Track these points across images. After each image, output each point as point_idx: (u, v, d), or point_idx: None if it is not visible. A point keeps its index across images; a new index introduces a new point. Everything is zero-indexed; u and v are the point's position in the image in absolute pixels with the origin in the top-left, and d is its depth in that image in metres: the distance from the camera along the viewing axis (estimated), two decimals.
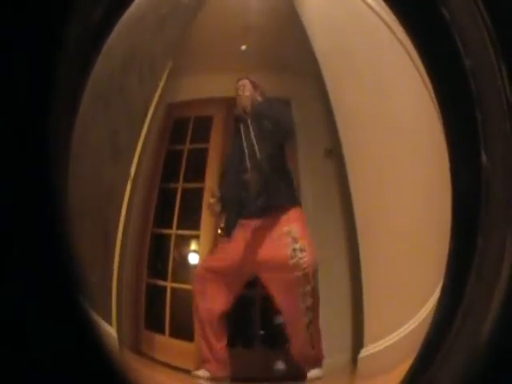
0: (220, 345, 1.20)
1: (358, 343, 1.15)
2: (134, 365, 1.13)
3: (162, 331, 1.24)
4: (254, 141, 1.20)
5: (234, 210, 1.22)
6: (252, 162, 1.20)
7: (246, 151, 1.21)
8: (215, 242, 1.24)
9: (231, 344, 1.22)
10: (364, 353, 1.14)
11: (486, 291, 0.67)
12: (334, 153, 1.21)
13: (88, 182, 1.04)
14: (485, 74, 0.73)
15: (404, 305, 1.08)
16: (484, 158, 0.72)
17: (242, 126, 1.23)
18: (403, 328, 1.04)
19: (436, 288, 0.80)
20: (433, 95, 0.78)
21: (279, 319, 1.19)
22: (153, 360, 1.18)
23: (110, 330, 1.07)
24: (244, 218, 1.21)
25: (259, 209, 1.19)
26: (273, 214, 1.20)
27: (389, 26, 0.99)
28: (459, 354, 0.69)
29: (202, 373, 1.18)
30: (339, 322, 1.19)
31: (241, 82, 1.21)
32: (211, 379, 1.18)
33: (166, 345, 1.24)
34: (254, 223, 1.20)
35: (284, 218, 1.19)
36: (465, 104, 0.74)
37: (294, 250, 1.16)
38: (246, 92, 1.20)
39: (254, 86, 1.20)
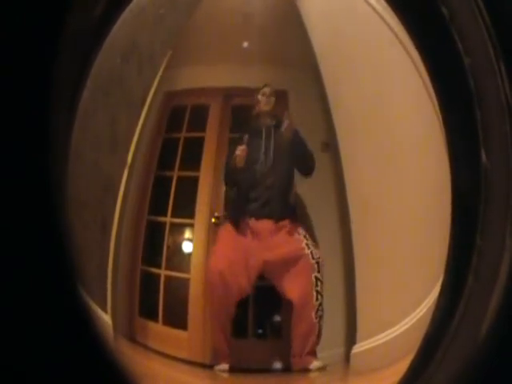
0: (237, 338, 1.25)
1: (350, 339, 1.17)
2: (129, 352, 1.13)
3: (155, 319, 1.24)
4: (272, 148, 1.28)
5: (242, 200, 1.28)
6: (265, 160, 1.28)
7: (263, 148, 1.28)
8: (219, 236, 1.26)
9: (245, 336, 1.26)
10: (357, 349, 1.16)
11: (485, 290, 0.67)
12: (331, 147, 1.22)
13: (87, 171, 1.04)
14: (484, 72, 0.73)
15: (399, 303, 1.09)
16: (483, 156, 0.72)
17: (264, 128, 1.28)
18: (398, 326, 1.05)
19: (433, 288, 0.80)
20: (432, 93, 0.78)
21: (284, 311, 1.25)
22: (146, 347, 1.19)
23: (105, 318, 1.07)
24: (250, 217, 1.27)
25: (266, 210, 1.28)
26: (279, 219, 1.28)
27: (388, 24, 0.99)
28: (458, 353, 0.69)
29: (222, 367, 1.22)
30: (332, 318, 1.21)
31: (265, 90, 1.27)
32: (231, 372, 1.22)
33: (159, 332, 1.24)
34: (262, 223, 1.27)
35: (289, 223, 1.28)
36: (464, 102, 0.74)
37: (307, 244, 1.25)
38: (270, 104, 1.28)
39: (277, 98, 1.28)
